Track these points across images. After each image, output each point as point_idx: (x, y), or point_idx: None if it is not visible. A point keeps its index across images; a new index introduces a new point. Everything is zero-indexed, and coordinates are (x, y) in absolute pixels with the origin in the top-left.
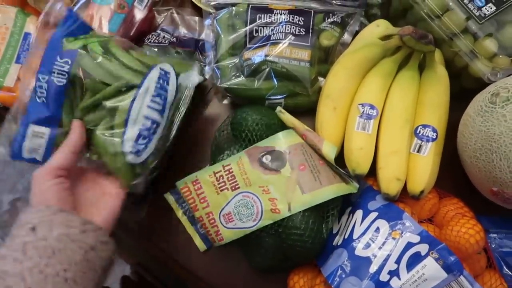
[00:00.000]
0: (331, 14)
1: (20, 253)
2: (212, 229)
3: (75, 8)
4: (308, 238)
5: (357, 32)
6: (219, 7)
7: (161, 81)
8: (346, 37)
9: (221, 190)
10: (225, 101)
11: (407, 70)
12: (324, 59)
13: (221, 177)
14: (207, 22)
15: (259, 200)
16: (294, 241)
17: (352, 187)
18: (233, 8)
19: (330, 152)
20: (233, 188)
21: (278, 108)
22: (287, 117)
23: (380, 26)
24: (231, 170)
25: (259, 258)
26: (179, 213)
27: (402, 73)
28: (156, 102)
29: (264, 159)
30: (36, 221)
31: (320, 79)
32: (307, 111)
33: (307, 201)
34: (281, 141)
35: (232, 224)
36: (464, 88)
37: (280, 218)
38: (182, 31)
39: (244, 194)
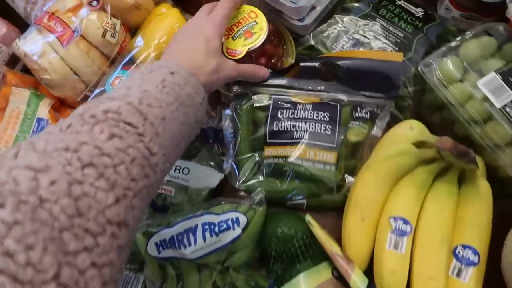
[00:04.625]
0: (359, 108)
1: (160, 83)
2: None
3: (92, 96)
4: None
5: (388, 125)
6: (239, 94)
7: None
8: (376, 130)
9: None
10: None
11: (444, 183)
12: (352, 153)
13: None
14: (227, 111)
15: None
16: None
17: None
18: (254, 97)
19: (359, 286)
20: None
21: (307, 218)
22: (316, 231)
23: (414, 130)
24: None
25: None
26: None
27: (438, 185)
28: None
29: None
30: (176, 69)
31: (347, 178)
32: (331, 209)
33: None
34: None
35: None
36: (507, 194)
37: None
38: None
39: None
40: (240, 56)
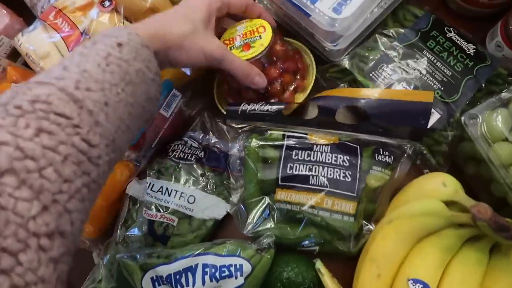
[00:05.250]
0: (381, 150)
1: (103, 60)
2: None
3: None
4: None
5: (417, 166)
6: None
7: None
8: (398, 174)
9: None
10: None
11: (474, 251)
12: (371, 198)
13: None
14: (235, 146)
15: None
16: None
17: None
18: (266, 134)
19: None
20: None
21: (317, 266)
22: (325, 281)
23: (448, 187)
24: None
25: None
26: None
27: (467, 252)
28: None
29: None
30: (125, 40)
31: (365, 226)
32: (344, 257)
33: None
34: None
35: None
36: None
37: None
38: (212, 139)
39: None
40: None
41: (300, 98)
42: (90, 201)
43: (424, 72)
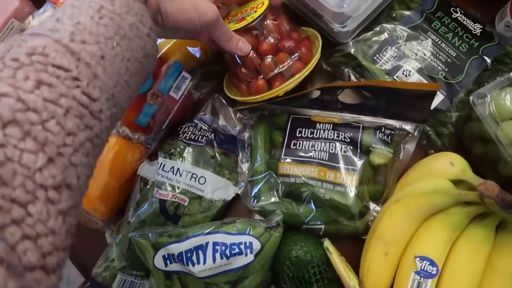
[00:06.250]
0: (383, 128)
1: (96, 13)
2: None
3: None
4: None
5: (423, 148)
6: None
7: None
8: (402, 155)
9: None
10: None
11: (481, 228)
12: (376, 178)
13: None
14: (245, 129)
15: None
16: None
17: None
18: (274, 116)
19: None
20: None
21: (326, 244)
22: (334, 260)
23: (455, 166)
24: None
25: None
26: None
27: (474, 229)
28: None
29: None
30: None
31: (371, 205)
32: (351, 237)
33: None
34: None
35: None
36: None
37: None
38: (221, 122)
39: None
40: None
41: (295, 81)
42: (94, 156)
43: (428, 54)
